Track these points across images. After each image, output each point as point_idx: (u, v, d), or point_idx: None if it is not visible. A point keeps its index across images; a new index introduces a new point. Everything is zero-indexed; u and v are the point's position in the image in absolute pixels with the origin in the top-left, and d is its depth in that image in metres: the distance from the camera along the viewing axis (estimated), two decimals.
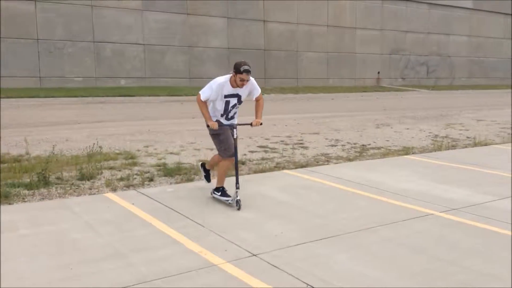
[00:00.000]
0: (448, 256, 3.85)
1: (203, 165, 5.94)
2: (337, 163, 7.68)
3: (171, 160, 7.51)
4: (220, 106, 5.12)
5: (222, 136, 5.18)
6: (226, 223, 4.59)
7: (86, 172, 6.38)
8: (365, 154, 8.61)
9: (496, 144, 9.81)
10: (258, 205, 5.21)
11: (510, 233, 4.40)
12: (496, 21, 38.29)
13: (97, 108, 16.75)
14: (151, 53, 24.78)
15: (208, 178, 5.87)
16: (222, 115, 5.20)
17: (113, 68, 24.00)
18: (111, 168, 6.94)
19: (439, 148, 9.16)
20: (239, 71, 4.87)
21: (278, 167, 7.30)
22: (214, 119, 5.18)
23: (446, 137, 10.89)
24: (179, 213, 4.89)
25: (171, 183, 6.19)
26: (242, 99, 5.21)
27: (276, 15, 28.05)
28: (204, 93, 5.03)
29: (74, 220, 4.64)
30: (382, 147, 9.37)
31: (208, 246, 3.98)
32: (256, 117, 5.32)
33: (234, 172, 5.27)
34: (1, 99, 17.92)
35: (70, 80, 23.03)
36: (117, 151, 8.30)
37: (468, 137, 10.80)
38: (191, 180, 6.36)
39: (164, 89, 23.05)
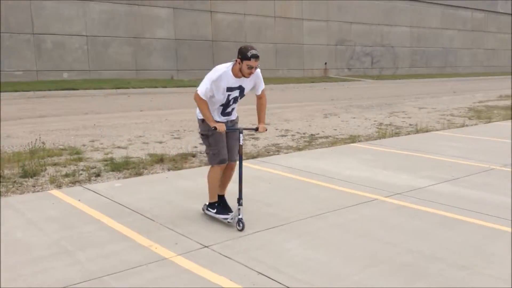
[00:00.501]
0: (393, 239, 4.02)
1: (210, 206, 4.52)
2: (287, 153, 7.79)
3: (118, 155, 7.35)
4: (219, 101, 4.25)
5: (212, 138, 4.28)
6: (177, 217, 4.56)
7: (29, 169, 6.13)
8: (314, 143, 8.78)
9: (437, 130, 10.27)
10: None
11: (449, 214, 4.64)
12: (434, 12, 39.84)
13: (40, 102, 16.08)
14: (95, 45, 23.98)
15: (224, 209, 4.46)
16: (221, 110, 4.36)
17: (55, 61, 23.05)
18: (55, 164, 6.70)
19: (383, 136, 9.47)
20: (246, 57, 4.01)
21: None
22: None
23: (390, 125, 11.28)
24: (128, 208, 4.81)
25: (119, 178, 6.06)
26: (246, 92, 4.36)
27: (223, 6, 27.88)
28: (202, 88, 4.12)
29: (17, 219, 4.46)
30: (330, 136, 9.58)
31: (158, 240, 3.94)
32: (261, 121, 4.48)
33: (225, 179, 4.63)
34: None
35: (10, 74, 21.95)
36: (61, 147, 8.02)
37: (410, 125, 11.23)
38: (140, 174, 6.26)
39: (109, 81, 22.42)
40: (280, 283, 3.21)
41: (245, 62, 4.04)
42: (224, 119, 4.39)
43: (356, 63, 35.55)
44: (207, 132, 4.29)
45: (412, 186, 5.63)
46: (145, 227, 4.25)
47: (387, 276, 3.34)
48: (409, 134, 9.84)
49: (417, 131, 10.10)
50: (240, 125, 4.58)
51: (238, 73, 4.14)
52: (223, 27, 28.33)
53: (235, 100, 4.33)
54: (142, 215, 4.60)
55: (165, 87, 21.75)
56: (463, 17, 41.81)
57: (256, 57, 4.03)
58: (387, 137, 9.35)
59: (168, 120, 11.63)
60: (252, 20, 29.59)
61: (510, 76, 37.71)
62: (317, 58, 33.16)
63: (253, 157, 7.39)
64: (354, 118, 12.68)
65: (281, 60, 31.21)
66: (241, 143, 4.23)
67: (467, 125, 11.03)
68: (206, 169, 6.72)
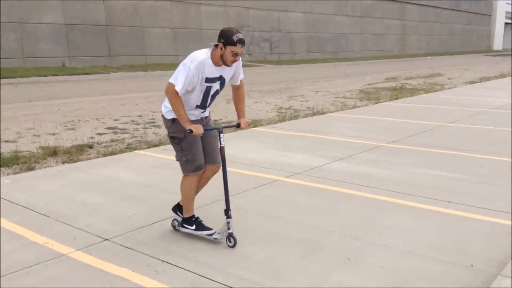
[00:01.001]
0: (292, 217, 4.21)
1: (177, 208, 3.95)
2: None
3: (7, 149, 6.80)
4: (198, 95, 3.53)
5: (185, 142, 3.58)
6: (73, 211, 4.36)
7: None
8: None
9: (331, 112, 10.83)
10: (109, 189, 5.03)
11: (343, 190, 4.96)
12: None
13: None
14: None
15: (198, 226, 3.78)
16: (197, 107, 3.62)
17: None
18: None
19: (283, 119, 9.79)
20: (231, 42, 3.34)
21: (129, 148, 7.10)
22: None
23: (289, 108, 11.68)
24: (20, 205, 4.49)
25: (8, 174, 5.63)
26: (226, 83, 3.67)
27: None
28: (179, 81, 3.37)
29: None
30: (233, 121, 9.68)
31: (54, 237, 3.74)
32: (241, 115, 3.87)
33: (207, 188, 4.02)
34: None
35: None
36: None
37: (308, 108, 11.72)
38: (31, 169, 5.86)
39: None
40: (183, 269, 3.22)
41: (229, 48, 3.36)
42: (197, 114, 3.66)
43: (255, 48, 36.10)
44: (179, 135, 3.55)
45: (310, 166, 5.91)
46: (40, 224, 4.01)
47: (286, 252, 3.50)
48: (306, 116, 10.26)
49: (314, 114, 10.56)
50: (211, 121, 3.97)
51: (219, 61, 3.45)
52: (118, 12, 27.14)
53: (216, 93, 3.64)
54: (35, 211, 4.32)
55: (56, 75, 20.42)
56: (353, 3, 44.14)
57: (242, 42, 3.38)
58: (287, 120, 9.68)
59: (60, 111, 10.96)
60: (148, 4, 28.70)
61: (396, 59, 40.73)
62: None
63: (155, 146, 7.25)
64: (256, 102, 12.92)
65: (181, 45, 30.73)
66: (222, 145, 3.59)
67: (358, 106, 11.76)
68: (105, 159, 6.54)
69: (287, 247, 3.58)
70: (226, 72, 3.58)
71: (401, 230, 3.92)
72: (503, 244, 3.57)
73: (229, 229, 3.57)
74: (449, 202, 4.57)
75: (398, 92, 14.88)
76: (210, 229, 3.71)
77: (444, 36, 59.13)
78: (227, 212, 3.59)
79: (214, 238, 3.64)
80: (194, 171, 3.65)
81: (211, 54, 3.46)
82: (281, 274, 3.17)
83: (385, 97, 13.64)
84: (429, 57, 45.67)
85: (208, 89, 3.53)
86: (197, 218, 3.82)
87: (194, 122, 3.57)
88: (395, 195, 4.78)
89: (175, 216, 3.93)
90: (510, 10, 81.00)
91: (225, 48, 3.38)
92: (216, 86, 3.57)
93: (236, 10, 34.10)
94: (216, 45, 3.42)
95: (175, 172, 5.68)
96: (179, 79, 3.38)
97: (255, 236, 3.78)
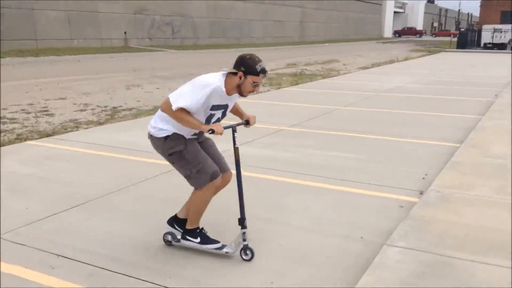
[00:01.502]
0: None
1: (173, 221, 3.49)
2: (87, 128, 7.39)
3: None
4: (200, 119, 3.14)
5: (187, 152, 3.18)
6: None
7: None
8: (116, 116, 8.51)
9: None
10: None
11: (248, 174, 5.05)
12: None
13: None
14: None
15: (203, 239, 3.34)
16: (195, 133, 3.24)
17: None
18: None
19: None
20: (254, 72, 3.00)
21: (19, 138, 6.61)
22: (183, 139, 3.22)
23: None
24: None
25: None
26: (228, 111, 3.32)
27: None
28: (186, 101, 2.99)
29: None
30: (134, 108, 9.40)
31: None
32: (243, 114, 3.43)
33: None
34: None
35: None
36: None
37: None
38: None
39: None
40: (82, 262, 3.10)
41: (251, 78, 3.01)
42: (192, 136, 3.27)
43: (157, 33, 35.17)
44: (178, 148, 3.17)
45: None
46: None
47: None
48: None
49: None
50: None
51: (233, 90, 3.09)
52: None
53: (217, 121, 3.28)
54: None
55: None
56: None
57: (265, 72, 3.05)
58: None
59: None
60: None
61: (296, 46, 42.03)
62: (115, 27, 31.75)
63: (48, 135, 6.82)
64: (157, 88, 12.63)
65: (75, 29, 28.99)
66: (236, 145, 3.23)
67: (261, 92, 11.99)
68: None
69: None
70: (232, 101, 3.25)
71: (300, 209, 4.10)
72: (392, 217, 3.88)
73: (244, 240, 3.20)
74: (342, 180, 4.86)
75: (298, 78, 15.39)
76: (217, 241, 3.31)
77: (340, 24, 62.08)
78: (242, 221, 3.22)
79: (226, 252, 3.23)
80: (211, 179, 3.18)
81: (225, 81, 3.07)
82: (185, 260, 3.17)
83: (286, 83, 14.04)
84: (326, 44, 47.71)
85: (210, 117, 3.19)
86: (202, 229, 3.38)
87: (190, 139, 3.24)
88: (296, 176, 4.97)
89: (170, 230, 3.44)
90: (399, 0, 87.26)
91: (245, 77, 3.02)
92: (218, 114, 3.23)
93: None
94: (234, 73, 3.03)
95: (70, 163, 5.42)
96: (182, 100, 3.00)
97: (159, 224, 3.73)
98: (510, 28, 37.34)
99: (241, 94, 3.11)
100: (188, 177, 3.24)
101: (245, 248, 3.20)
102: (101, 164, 5.40)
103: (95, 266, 3.06)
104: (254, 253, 3.19)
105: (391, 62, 22.83)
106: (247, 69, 2.99)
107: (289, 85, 13.51)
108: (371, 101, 10.19)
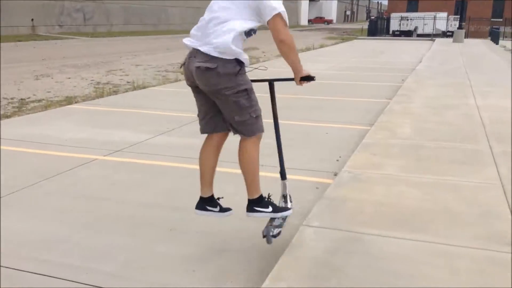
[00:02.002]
0: (114, 195, 4.10)
1: (203, 204, 3.15)
2: None
3: None
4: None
5: (253, 93, 2.82)
6: None
7: None
8: (24, 108, 8.01)
9: (153, 86, 10.69)
10: None
11: (166, 163, 5.00)
12: None
13: None
14: None
15: (274, 207, 3.06)
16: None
17: None
18: None
19: (101, 95, 9.34)
20: None
21: None
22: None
23: (108, 83, 11.17)
24: None
25: None
26: None
27: None
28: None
29: None
30: (44, 99, 8.90)
31: None
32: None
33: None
34: None
35: None
36: None
37: (128, 82, 11.37)
38: None
39: None
40: None
41: None
42: None
43: (67, 19, 33.38)
44: (248, 85, 2.77)
45: (131, 142, 5.79)
46: None
47: (109, 230, 3.42)
48: (127, 91, 9.96)
49: (135, 88, 10.31)
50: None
51: None
52: None
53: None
54: None
55: None
56: None
57: None
58: (105, 96, 9.26)
59: None
60: None
61: None
62: (21, 14, 29.65)
63: None
64: (69, 78, 12.05)
65: None
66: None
67: (180, 80, 11.83)
68: None
69: (110, 227, 3.50)
70: None
71: (221, 195, 4.13)
72: (308, 199, 4.04)
73: (290, 200, 3.20)
74: (262, 165, 4.96)
75: None
76: (287, 208, 3.11)
77: None
78: (283, 180, 3.19)
79: (287, 216, 3.11)
80: (262, 130, 2.91)
81: None
82: (103, 254, 3.10)
83: None
84: None
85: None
86: (269, 196, 3.06)
87: None
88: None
89: (204, 214, 3.12)
90: None
91: None
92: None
93: None
94: None
95: None
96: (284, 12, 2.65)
97: (74, 219, 3.60)
98: (415, 16, 39.84)
99: None
100: (243, 123, 2.80)
101: (285, 197, 3.20)
102: (8, 159, 5.08)
103: (6, 267, 2.89)
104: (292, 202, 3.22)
105: (308, 49, 23.47)
106: None
107: None
108: (287, 88, 10.42)
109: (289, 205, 3.19)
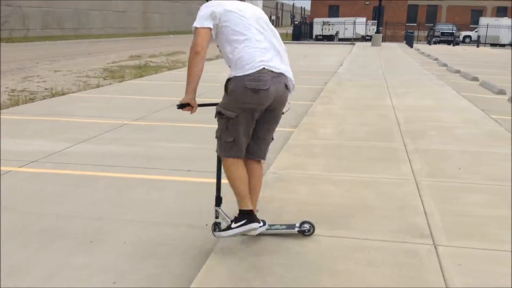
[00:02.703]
0: (29, 208, 3.89)
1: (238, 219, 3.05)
2: None
3: None
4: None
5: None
6: None
7: None
8: None
9: (73, 92, 10.25)
10: None
11: (87, 173, 4.81)
12: None
13: None
14: None
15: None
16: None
17: None
18: None
19: (16, 103, 8.81)
20: None
21: None
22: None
23: (23, 90, 10.56)
24: None
25: None
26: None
27: None
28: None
29: None
30: None
31: None
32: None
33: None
34: None
35: None
36: None
37: (46, 89, 10.81)
38: None
39: None
40: None
41: None
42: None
43: None
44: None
45: (48, 152, 5.52)
46: None
47: (23, 245, 3.23)
48: (45, 98, 9.47)
49: (53, 95, 9.82)
50: None
51: None
52: None
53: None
54: None
55: None
56: None
57: None
58: (20, 104, 8.74)
59: None
60: None
61: (140, 38, 40.90)
62: None
63: None
64: None
65: None
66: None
67: (102, 85, 11.45)
68: None
69: (25, 240, 3.31)
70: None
71: (145, 203, 4.05)
72: (234, 202, 4.05)
73: (217, 217, 3.16)
74: (188, 171, 4.93)
75: (143, 70, 15.05)
76: (256, 221, 3.07)
77: (184, 15, 62.11)
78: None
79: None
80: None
81: None
82: (18, 269, 2.92)
83: (129, 75, 13.62)
84: (171, 36, 47.38)
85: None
86: (248, 212, 3.07)
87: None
88: (140, 171, 4.88)
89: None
90: None
91: None
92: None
93: None
94: None
95: None
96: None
97: None
98: (336, 21, 41.43)
99: None
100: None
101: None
102: None
103: None
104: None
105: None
106: None
107: (133, 77, 13.14)
108: (216, 92, 10.43)
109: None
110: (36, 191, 4.27)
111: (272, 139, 3.17)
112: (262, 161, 3.16)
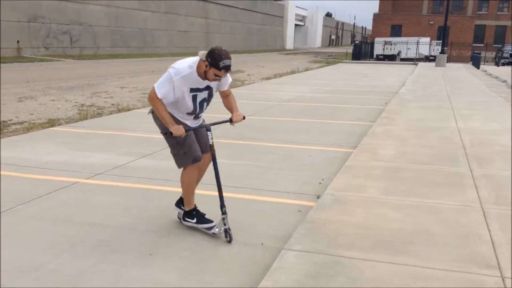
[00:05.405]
0: (92, 219, 4.04)
1: (179, 202, 3.98)
2: None
3: None
4: (188, 102, 3.58)
5: (179, 137, 3.59)
6: None
7: None
8: (6, 131, 7.91)
9: (138, 108, 10.67)
10: None
11: (148, 186, 4.95)
12: None
13: None
14: None
15: (199, 219, 3.82)
16: (188, 114, 3.67)
17: None
18: None
19: (85, 117, 9.28)
20: (217, 67, 3.36)
21: None
22: (180, 121, 3.64)
23: (92, 106, 11.11)
24: None
25: None
26: (214, 92, 3.73)
27: None
28: (160, 89, 3.44)
29: None
30: (26, 122, 8.80)
31: None
32: (234, 111, 3.86)
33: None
34: None
35: None
36: None
37: (113, 104, 11.33)
38: None
39: None
40: None
41: (214, 70, 3.40)
42: (190, 123, 3.72)
43: (53, 42, 33.33)
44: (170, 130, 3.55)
45: (113, 165, 5.74)
46: None
47: (83, 256, 3.35)
48: (111, 114, 9.91)
49: (119, 111, 10.27)
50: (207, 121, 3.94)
51: (203, 75, 3.49)
52: None
53: (203, 101, 3.69)
54: None
55: None
56: (157, 0, 44.05)
57: (228, 69, 3.40)
58: (89, 118, 9.20)
59: None
60: None
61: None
62: (6, 36, 29.56)
63: None
64: (53, 100, 11.96)
65: None
66: (211, 143, 3.68)
67: None
68: None
69: (84, 251, 3.43)
70: (213, 83, 3.62)
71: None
72: (290, 222, 4.02)
73: (225, 224, 3.64)
74: (243, 187, 4.95)
75: None
76: (211, 221, 3.78)
77: (243, 35, 63.32)
78: (222, 208, 3.65)
79: (213, 233, 3.71)
80: (193, 162, 3.67)
81: (198, 66, 3.49)
82: (76, 280, 3.03)
83: None
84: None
85: (194, 97, 3.59)
86: (198, 210, 3.86)
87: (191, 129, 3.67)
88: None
89: (178, 210, 3.97)
90: (299, 13, 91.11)
91: (209, 68, 3.40)
92: (202, 95, 3.63)
93: (27, 0, 30.88)
94: (203, 62, 3.43)
95: None
96: (162, 88, 3.45)
97: (51, 244, 3.53)
98: (399, 41, 40.62)
99: (207, 79, 3.49)
100: (174, 156, 3.71)
101: (225, 232, 3.64)
102: None
103: None
104: (232, 237, 3.63)
105: (293, 72, 23.73)
106: (212, 63, 3.38)
107: None
108: (273, 110, 10.50)
109: (226, 238, 3.65)
110: (99, 203, 4.45)
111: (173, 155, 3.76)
112: None
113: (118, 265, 3.23)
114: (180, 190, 3.91)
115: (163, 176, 5.31)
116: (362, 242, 3.40)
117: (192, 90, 3.55)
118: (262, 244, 3.58)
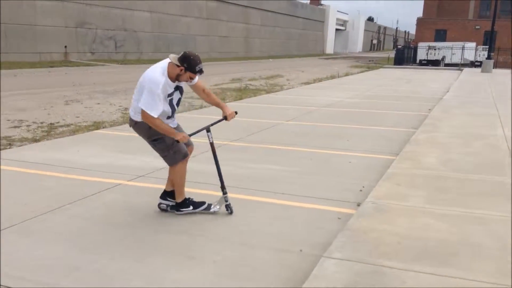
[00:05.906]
0: (135, 221, 4.13)
1: (165, 195, 4.36)
2: (21, 146, 7.09)
3: None
4: (166, 108, 3.94)
5: (168, 138, 3.97)
6: None
7: None
8: (53, 133, 8.22)
9: (179, 113, 10.80)
10: None
11: (191, 190, 5.01)
12: None
13: None
14: None
15: (194, 205, 4.31)
16: (168, 118, 4.06)
17: None
18: None
19: (128, 121, 9.50)
20: (193, 71, 3.83)
21: None
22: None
23: None
24: None
25: None
26: (183, 88, 4.15)
27: None
28: (153, 110, 3.76)
29: None
30: (72, 124, 9.12)
31: None
32: (222, 106, 4.31)
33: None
34: None
35: None
36: None
37: None
38: None
39: None
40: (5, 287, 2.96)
41: (189, 74, 3.87)
42: (176, 124, 4.23)
43: (99, 47, 34.42)
44: (160, 135, 3.97)
45: (154, 167, 5.85)
46: None
47: (126, 255, 3.43)
48: None
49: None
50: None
51: (174, 77, 3.87)
52: None
53: (179, 101, 4.12)
54: None
55: None
56: (199, 5, 44.76)
57: (202, 72, 3.90)
58: None
59: None
60: None
61: (242, 61, 42.38)
62: (54, 41, 30.76)
63: None
64: (98, 104, 12.33)
65: (11, 42, 27.82)
66: (211, 141, 4.27)
67: (205, 107, 11.97)
68: None
69: (128, 252, 3.51)
70: (182, 82, 4.01)
71: (236, 223, 4.12)
72: (330, 229, 3.97)
73: (226, 201, 4.23)
74: (282, 193, 4.93)
75: (242, 93, 15.53)
76: (204, 202, 4.31)
77: (283, 40, 63.35)
78: (223, 189, 4.20)
79: (214, 211, 4.25)
80: (183, 158, 4.11)
81: (168, 71, 3.84)
82: (117, 280, 3.10)
83: (230, 98, 14.12)
84: (270, 60, 48.48)
85: (171, 101, 3.96)
86: (189, 198, 4.30)
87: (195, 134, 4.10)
88: (234, 190, 4.98)
89: (164, 202, 4.32)
90: (340, 17, 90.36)
91: (184, 72, 3.83)
92: (176, 96, 4.02)
93: (76, 6, 32.06)
94: (176, 66, 3.80)
95: (3, 181, 5.16)
96: (154, 108, 3.75)
97: (95, 245, 3.63)
98: (443, 46, 39.58)
99: (178, 80, 3.89)
100: (165, 157, 4.14)
101: (227, 206, 4.24)
102: (34, 183, 5.19)
103: None
104: (233, 210, 4.24)
105: (332, 77, 23.53)
106: (188, 67, 3.80)
107: (233, 100, 13.59)
108: (312, 116, 10.44)
109: (226, 210, 4.26)
110: (141, 205, 4.54)
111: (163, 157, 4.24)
112: None
113: (158, 266, 3.28)
114: (163, 186, 4.38)
115: (203, 179, 5.36)
116: (404, 252, 3.32)
117: (168, 95, 3.91)
118: (301, 251, 3.55)
